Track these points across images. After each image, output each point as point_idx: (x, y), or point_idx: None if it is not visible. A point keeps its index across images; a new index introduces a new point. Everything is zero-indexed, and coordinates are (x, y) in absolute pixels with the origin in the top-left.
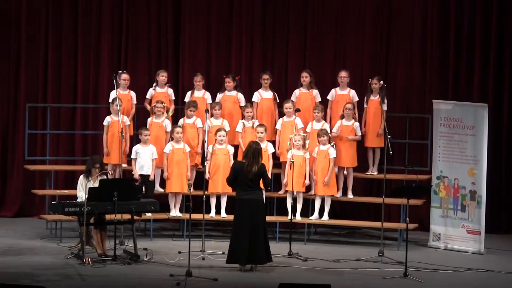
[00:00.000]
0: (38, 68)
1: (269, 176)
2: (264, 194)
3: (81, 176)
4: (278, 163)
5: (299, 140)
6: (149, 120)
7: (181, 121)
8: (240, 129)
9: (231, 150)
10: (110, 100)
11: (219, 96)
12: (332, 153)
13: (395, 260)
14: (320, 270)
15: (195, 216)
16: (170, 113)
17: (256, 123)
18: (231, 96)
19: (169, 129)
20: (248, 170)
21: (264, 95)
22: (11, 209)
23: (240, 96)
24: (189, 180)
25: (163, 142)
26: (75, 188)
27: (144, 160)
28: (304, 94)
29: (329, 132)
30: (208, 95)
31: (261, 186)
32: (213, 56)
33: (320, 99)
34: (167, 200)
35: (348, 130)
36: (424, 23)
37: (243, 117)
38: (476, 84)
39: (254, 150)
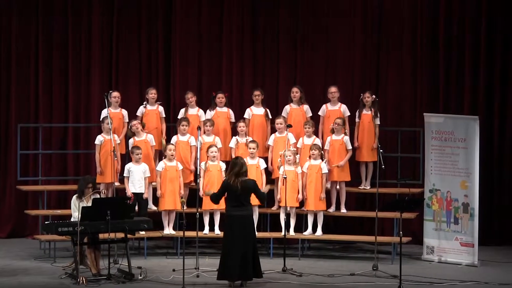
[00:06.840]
0: (29, 88)
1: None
2: (257, 210)
3: (74, 197)
4: (271, 179)
5: (290, 155)
6: (131, 141)
7: (174, 138)
8: (233, 145)
9: (224, 166)
10: (101, 119)
11: (210, 113)
12: (324, 168)
13: (389, 273)
14: (314, 285)
15: (189, 233)
16: (164, 139)
17: (250, 139)
18: (223, 112)
19: (153, 143)
20: (234, 186)
21: (255, 111)
22: (4, 230)
23: (231, 113)
24: (182, 198)
25: (151, 158)
26: (68, 207)
27: (137, 179)
28: (295, 110)
29: (321, 147)
30: (201, 113)
31: (251, 202)
32: (204, 73)
33: (311, 114)
34: (160, 218)
35: (338, 144)
36: (414, 37)
37: (235, 133)
38: (466, 97)
39: (234, 165)
